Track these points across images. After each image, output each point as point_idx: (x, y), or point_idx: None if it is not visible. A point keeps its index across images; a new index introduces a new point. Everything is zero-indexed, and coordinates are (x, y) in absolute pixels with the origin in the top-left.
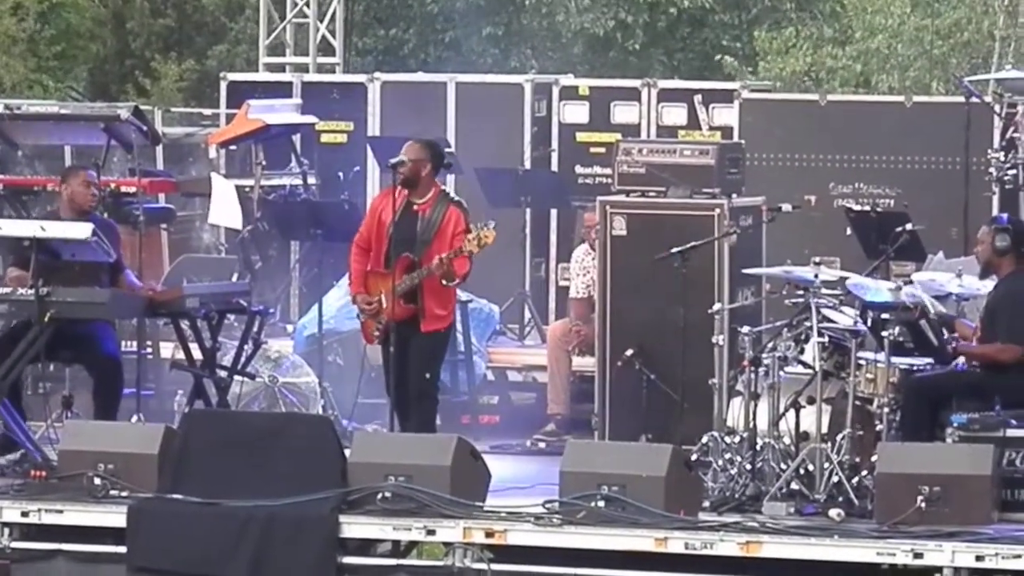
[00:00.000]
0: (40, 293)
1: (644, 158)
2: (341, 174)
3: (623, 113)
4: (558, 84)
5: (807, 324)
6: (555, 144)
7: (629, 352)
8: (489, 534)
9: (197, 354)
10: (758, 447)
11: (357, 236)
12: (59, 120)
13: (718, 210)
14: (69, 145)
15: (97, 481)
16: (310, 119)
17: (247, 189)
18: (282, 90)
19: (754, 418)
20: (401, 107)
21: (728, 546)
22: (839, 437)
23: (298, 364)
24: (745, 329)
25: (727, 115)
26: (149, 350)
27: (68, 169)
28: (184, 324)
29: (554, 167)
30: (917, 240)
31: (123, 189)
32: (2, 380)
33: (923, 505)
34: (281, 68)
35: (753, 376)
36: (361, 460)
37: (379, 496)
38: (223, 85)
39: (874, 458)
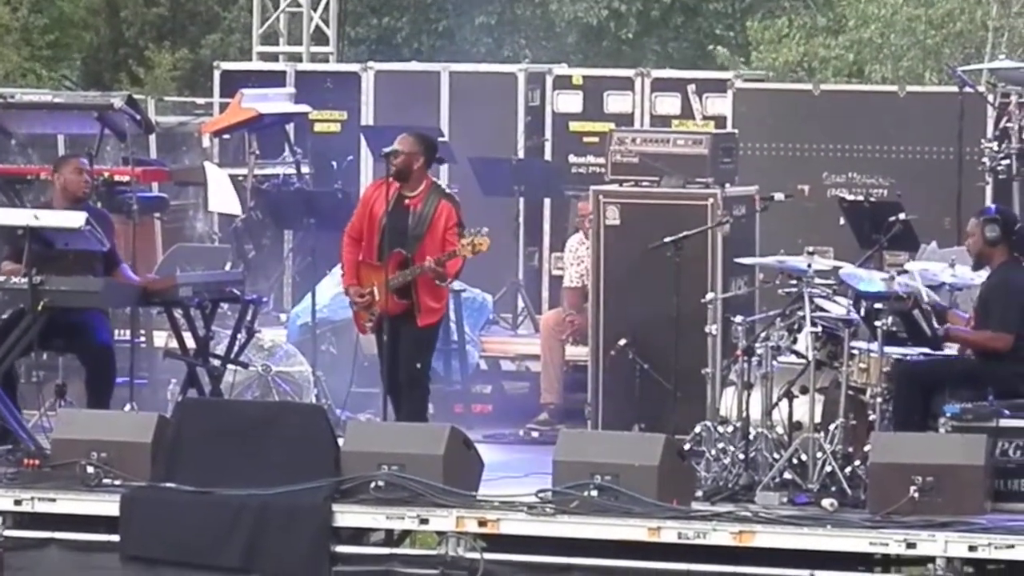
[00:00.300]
0: (34, 282)
1: (637, 147)
2: (335, 163)
3: (616, 102)
4: (551, 73)
5: (800, 314)
6: (548, 133)
7: (622, 342)
8: (482, 523)
9: (190, 343)
10: (751, 437)
11: (349, 226)
12: (52, 109)
13: (711, 199)
14: (62, 134)
15: (90, 470)
16: (303, 108)
17: (240, 178)
18: (276, 79)
19: (747, 408)
20: (395, 96)
21: (721, 536)
22: (832, 427)
23: (291, 353)
24: (738, 319)
25: (720, 104)
26: (142, 339)
27: (60, 158)
28: (177, 313)
29: (547, 156)
30: (910, 230)
31: (116, 178)
32: None
33: (916, 495)
34: (275, 57)
35: (746, 366)
36: (354, 449)
37: (372, 485)
38: (216, 74)
39: (867, 448)
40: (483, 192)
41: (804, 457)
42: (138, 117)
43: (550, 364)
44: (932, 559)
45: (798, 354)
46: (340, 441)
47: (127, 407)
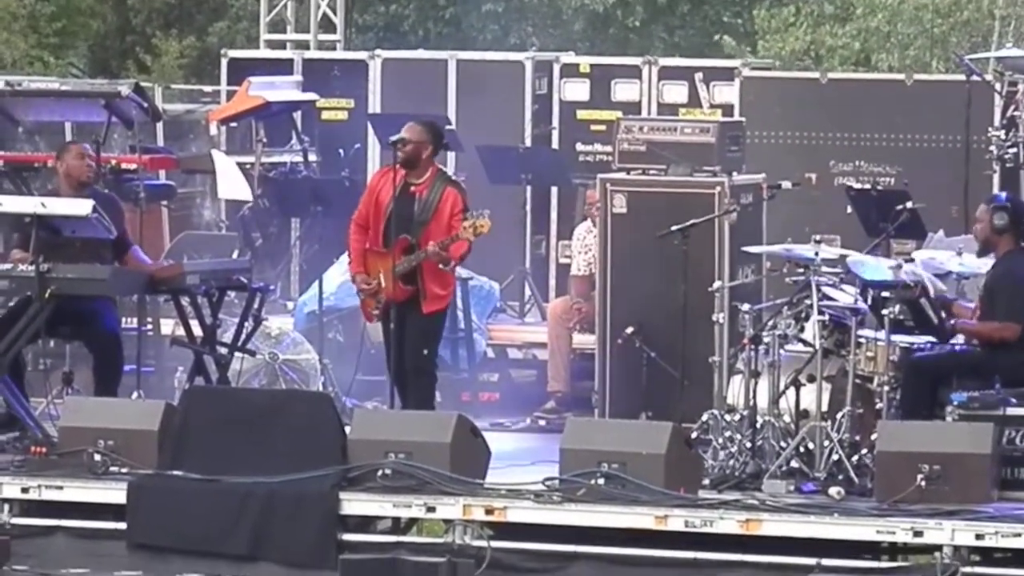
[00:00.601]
0: (41, 269)
1: (645, 136)
2: (342, 151)
3: (624, 91)
4: (559, 62)
5: (807, 302)
6: (556, 122)
7: (629, 330)
8: (489, 511)
9: (197, 331)
10: (758, 425)
11: (355, 214)
12: (60, 96)
13: (719, 188)
14: (70, 122)
15: (97, 457)
16: (311, 96)
17: (248, 166)
18: (283, 67)
19: (754, 396)
20: (402, 84)
21: (728, 524)
22: (839, 415)
23: (298, 341)
24: (745, 307)
25: (728, 93)
26: (149, 327)
27: (62, 145)
28: (184, 301)
29: (555, 145)
30: (917, 218)
31: (124, 166)
32: (2, 356)
33: (923, 483)
34: (282, 45)
35: (753, 354)
36: (361, 437)
37: (379, 473)
38: (224, 62)
39: (874, 436)
40: (490, 180)
41: (811, 445)
42: (145, 105)
43: (557, 352)
44: (939, 547)
45: (805, 342)
46: (347, 429)
47: (134, 395)
